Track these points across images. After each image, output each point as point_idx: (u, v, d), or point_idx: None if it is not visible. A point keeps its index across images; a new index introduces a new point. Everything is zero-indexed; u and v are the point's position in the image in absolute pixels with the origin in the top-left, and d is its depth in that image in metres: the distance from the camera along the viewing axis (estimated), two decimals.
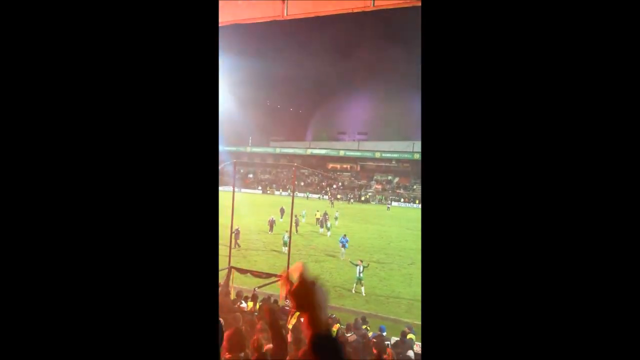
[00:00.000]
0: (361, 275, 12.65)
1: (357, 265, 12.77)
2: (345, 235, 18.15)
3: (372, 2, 4.58)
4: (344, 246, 17.65)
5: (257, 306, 7.78)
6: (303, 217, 25.45)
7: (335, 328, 7.38)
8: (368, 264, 13.35)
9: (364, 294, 12.35)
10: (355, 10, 5.20)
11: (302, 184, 54.68)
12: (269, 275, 9.33)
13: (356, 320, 7.88)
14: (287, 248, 14.56)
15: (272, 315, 4.98)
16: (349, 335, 6.45)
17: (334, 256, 17.81)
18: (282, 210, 26.49)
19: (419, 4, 4.85)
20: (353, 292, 12.61)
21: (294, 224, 22.09)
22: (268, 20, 5.42)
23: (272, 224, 22.50)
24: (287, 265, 10.27)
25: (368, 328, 7.58)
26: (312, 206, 31.85)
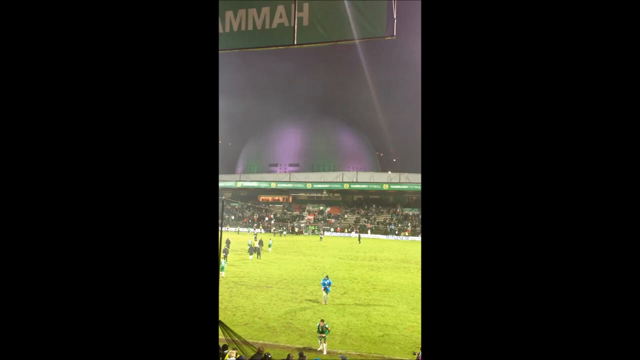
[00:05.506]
0: (326, 330, 10.71)
1: (319, 325, 10.87)
2: (327, 277, 16.07)
3: (293, 40, 4.78)
4: (326, 290, 15.54)
5: None
6: (250, 245, 28.83)
7: None
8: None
9: (325, 353, 10.46)
10: (280, 47, 5.37)
11: (233, 218, 53.28)
12: None
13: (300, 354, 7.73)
14: (223, 272, 19.36)
15: None
16: None
17: (266, 289, 17.35)
18: (227, 242, 27.83)
19: (339, 42, 5.14)
20: (321, 348, 10.60)
21: (224, 255, 21.64)
22: None
23: None
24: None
25: None
26: (247, 238, 34.80)
